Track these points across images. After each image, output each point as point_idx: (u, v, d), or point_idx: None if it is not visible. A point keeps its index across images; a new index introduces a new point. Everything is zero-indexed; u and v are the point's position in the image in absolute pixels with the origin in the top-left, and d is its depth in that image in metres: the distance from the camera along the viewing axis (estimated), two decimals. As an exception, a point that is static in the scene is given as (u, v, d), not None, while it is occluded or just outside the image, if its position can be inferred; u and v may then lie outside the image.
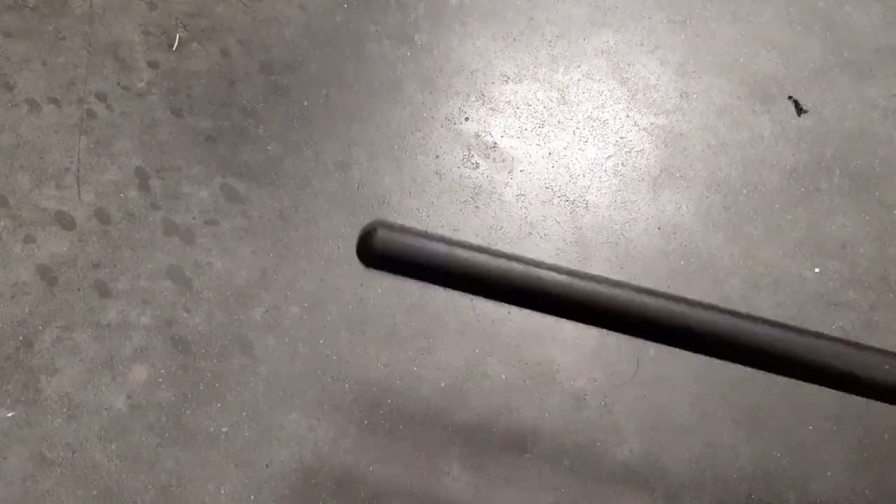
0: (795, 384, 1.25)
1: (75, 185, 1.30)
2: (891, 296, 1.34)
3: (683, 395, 1.22)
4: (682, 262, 1.33)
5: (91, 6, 1.42)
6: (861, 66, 1.55)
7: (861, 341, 1.28)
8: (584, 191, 1.39)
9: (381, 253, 1.20)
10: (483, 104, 1.45)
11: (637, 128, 1.47)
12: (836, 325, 1.30)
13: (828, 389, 1.22)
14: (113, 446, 1.11)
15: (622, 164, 1.43)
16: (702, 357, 1.25)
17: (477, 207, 1.36)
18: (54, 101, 1.35)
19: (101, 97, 1.37)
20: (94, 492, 1.07)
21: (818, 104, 1.52)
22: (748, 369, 1.25)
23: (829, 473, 1.17)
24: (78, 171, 1.31)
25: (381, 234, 1.22)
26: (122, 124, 1.36)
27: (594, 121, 1.47)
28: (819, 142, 1.48)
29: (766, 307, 1.31)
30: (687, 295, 1.31)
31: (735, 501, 1.16)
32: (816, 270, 1.35)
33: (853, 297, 1.33)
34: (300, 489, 1.11)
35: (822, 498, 1.15)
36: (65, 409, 1.12)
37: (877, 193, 1.43)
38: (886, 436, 1.21)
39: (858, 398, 1.23)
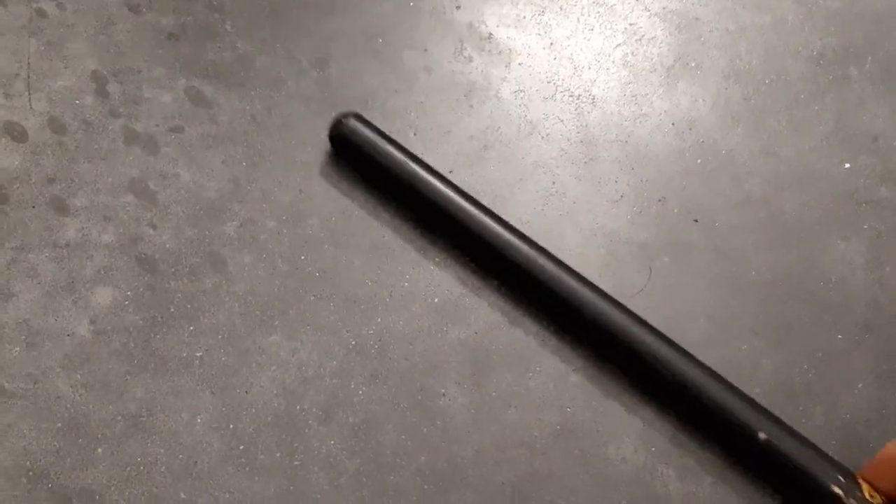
0: (823, 290, 1.14)
1: (26, 93, 1.17)
2: (928, 192, 1.22)
3: (699, 306, 1.11)
4: (699, 161, 1.21)
5: None
6: (898, -62, 1.38)
7: (894, 243, 1.17)
8: (589, 84, 1.25)
9: (349, 140, 1.13)
10: (475, -9, 1.30)
11: (648, 13, 1.32)
12: (866, 224, 1.18)
13: (857, 298, 1.12)
14: (77, 375, 1.01)
15: (632, 53, 1.28)
16: (720, 265, 1.15)
17: (471, 106, 1.22)
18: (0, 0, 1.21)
19: (50, -6, 1.23)
20: (59, 424, 0.99)
21: (849, -18, 1.36)
22: (771, 277, 1.14)
23: (859, 386, 1.08)
24: (28, 77, 1.18)
25: (353, 123, 1.13)
26: (75, 24, 1.22)
27: (600, 6, 1.32)
28: (849, 25, 1.33)
29: (789, 208, 1.19)
30: (704, 195, 1.20)
31: (756, 417, 1.06)
32: (846, 166, 1.23)
33: (885, 195, 1.21)
34: (284, 416, 1.02)
35: (851, 413, 1.06)
36: (23, 337, 1.02)
37: (914, 79, 1.29)
38: (921, 343, 1.11)
39: (890, 305, 1.13)
